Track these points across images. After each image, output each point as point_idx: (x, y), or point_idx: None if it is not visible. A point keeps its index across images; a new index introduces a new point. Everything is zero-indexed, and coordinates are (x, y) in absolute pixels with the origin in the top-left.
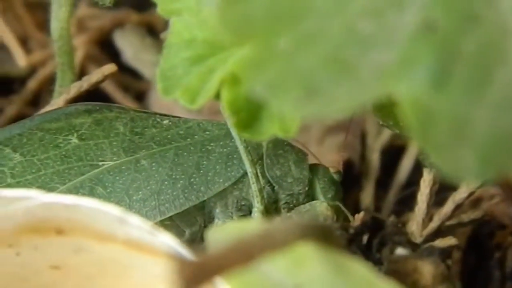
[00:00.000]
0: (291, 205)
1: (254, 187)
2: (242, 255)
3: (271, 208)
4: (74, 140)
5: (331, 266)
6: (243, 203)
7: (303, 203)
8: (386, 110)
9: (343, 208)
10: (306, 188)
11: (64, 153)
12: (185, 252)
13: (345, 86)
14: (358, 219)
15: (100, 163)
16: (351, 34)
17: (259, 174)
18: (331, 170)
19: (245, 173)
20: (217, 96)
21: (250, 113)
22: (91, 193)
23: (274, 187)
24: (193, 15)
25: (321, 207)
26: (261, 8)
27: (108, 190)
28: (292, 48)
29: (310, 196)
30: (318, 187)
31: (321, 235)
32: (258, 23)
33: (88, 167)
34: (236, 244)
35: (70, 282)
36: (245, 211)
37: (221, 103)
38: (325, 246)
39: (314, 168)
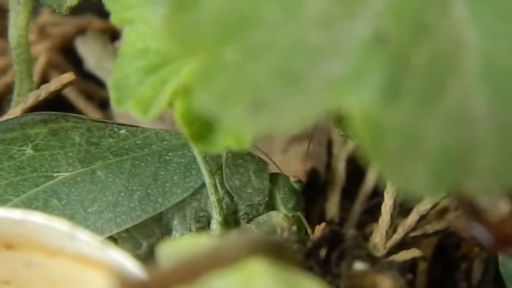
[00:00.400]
0: (251, 216)
1: (212, 198)
2: (190, 273)
3: (230, 219)
4: (29, 150)
5: (282, 283)
6: (201, 214)
7: (263, 214)
8: (345, 121)
9: (303, 219)
10: (266, 199)
11: (18, 164)
12: (133, 268)
13: (293, 98)
14: (319, 230)
15: (55, 174)
16: (300, 45)
17: (218, 185)
18: (292, 179)
19: (204, 184)
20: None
21: (204, 125)
22: (46, 205)
23: (233, 197)
24: (146, 24)
25: (278, 218)
26: (208, 19)
27: (63, 202)
28: (240, 59)
29: (270, 207)
30: (278, 197)
31: (274, 250)
32: (205, 34)
33: (42, 179)
34: (184, 261)
35: None
36: (204, 223)
37: (174, 114)
38: (278, 262)
39: (274, 178)
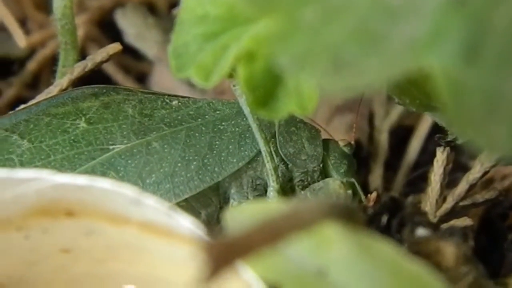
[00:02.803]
0: (306, 183)
1: (268, 166)
2: (269, 236)
3: (286, 187)
4: (83, 124)
5: (356, 247)
6: (258, 183)
7: (318, 180)
8: (403, 87)
9: (357, 184)
10: (320, 165)
11: (73, 138)
12: (204, 234)
13: (374, 58)
14: (370, 199)
15: (111, 147)
16: (379, 5)
17: (273, 152)
18: (341, 143)
19: (259, 152)
20: (231, 74)
21: (267, 91)
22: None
23: (288, 165)
24: None
25: (334, 184)
26: None
27: (121, 174)
28: (318, 20)
29: (324, 173)
30: (330, 163)
31: (345, 215)
32: None
33: (98, 152)
34: (263, 225)
35: (80, 266)
36: (261, 191)
37: (235, 81)
38: (349, 226)
39: (324, 144)
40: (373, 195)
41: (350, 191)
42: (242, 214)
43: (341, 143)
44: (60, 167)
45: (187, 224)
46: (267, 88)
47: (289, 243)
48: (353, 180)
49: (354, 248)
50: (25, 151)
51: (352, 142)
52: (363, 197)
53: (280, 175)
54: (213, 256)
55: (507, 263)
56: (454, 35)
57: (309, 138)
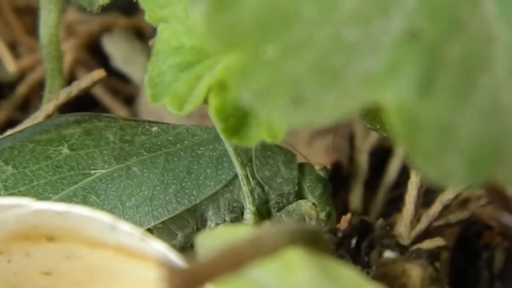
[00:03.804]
0: (281, 205)
1: (245, 189)
2: (232, 262)
3: (262, 209)
4: (65, 150)
5: (319, 271)
6: (234, 205)
7: (293, 202)
8: (372, 113)
9: (331, 206)
10: (296, 188)
11: (55, 163)
12: (175, 258)
13: (332, 93)
14: (345, 220)
15: (92, 172)
16: (337, 42)
17: (249, 176)
18: (317, 167)
19: (236, 176)
20: (206, 100)
21: (238, 120)
22: (85, 202)
23: (264, 187)
24: (180, 22)
25: (306, 206)
26: (248, 17)
27: (101, 198)
28: (279, 56)
29: (299, 195)
30: (305, 186)
31: (310, 239)
32: (245, 31)
33: (80, 176)
34: (226, 251)
35: None
36: (237, 213)
37: (209, 110)
38: (314, 250)
39: (300, 168)
40: (348, 216)
41: (324, 213)
42: (212, 239)
43: (316, 167)
44: (43, 192)
45: (160, 248)
46: (238, 118)
47: (256, 267)
48: (328, 203)
49: (316, 271)
50: (10, 177)
51: (328, 167)
52: (333, 218)
53: (256, 197)
54: (174, 282)
55: (482, 281)
56: (409, 69)
57: (285, 162)
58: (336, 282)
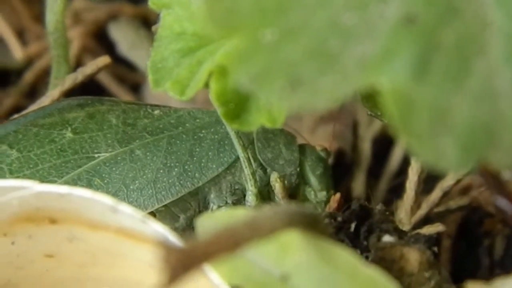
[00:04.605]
0: (286, 187)
1: (246, 171)
2: (228, 243)
3: (264, 191)
4: (69, 134)
5: (316, 254)
6: (236, 187)
7: (296, 184)
8: (373, 100)
9: (331, 186)
10: (298, 169)
11: (59, 147)
12: (175, 239)
13: (328, 77)
14: (334, 200)
15: (96, 155)
16: (335, 26)
17: (251, 158)
18: (318, 148)
19: (237, 158)
20: (208, 86)
21: (238, 104)
22: (89, 185)
23: (266, 169)
24: (183, 8)
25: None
26: (247, 2)
27: (105, 181)
28: (277, 40)
29: (301, 176)
30: (307, 166)
31: (307, 222)
32: (244, 16)
33: (84, 160)
34: (223, 232)
35: (63, 270)
36: (239, 195)
37: (210, 94)
38: (312, 233)
39: (301, 149)
40: (337, 196)
41: (324, 192)
42: (212, 221)
43: (317, 148)
44: (48, 175)
45: (160, 230)
46: (238, 102)
47: (254, 248)
48: (329, 183)
49: (313, 254)
50: (14, 160)
51: (329, 149)
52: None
53: (258, 179)
54: (171, 262)
55: (483, 268)
56: (404, 53)
57: (286, 144)
58: (332, 264)
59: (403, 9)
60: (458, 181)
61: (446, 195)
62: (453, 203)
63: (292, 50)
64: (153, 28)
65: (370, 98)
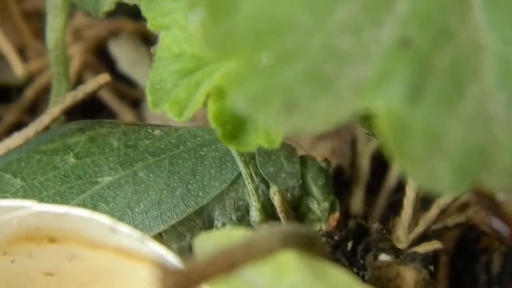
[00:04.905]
0: (287, 200)
1: (249, 187)
2: (225, 264)
3: (268, 205)
4: (71, 159)
5: (312, 273)
6: (240, 203)
7: (299, 196)
8: (370, 120)
9: (333, 196)
10: (300, 181)
11: (63, 173)
12: (173, 259)
13: (324, 100)
14: (333, 219)
15: (99, 180)
16: (330, 50)
17: (253, 173)
18: (319, 159)
19: (239, 174)
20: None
21: (236, 125)
22: (94, 210)
23: (268, 183)
24: (181, 30)
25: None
26: (243, 26)
27: (111, 206)
28: (272, 64)
29: (303, 188)
30: (309, 177)
31: (303, 242)
32: (240, 40)
33: (88, 185)
34: (220, 253)
35: None
36: (243, 211)
37: (208, 115)
38: (308, 253)
39: (302, 160)
40: (336, 215)
41: (326, 203)
42: (209, 241)
43: (318, 159)
44: (53, 202)
45: (158, 250)
46: (236, 124)
47: (250, 269)
48: (331, 193)
49: (309, 274)
50: (19, 189)
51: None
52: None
53: (261, 194)
54: (171, 282)
55: (480, 284)
56: (399, 76)
57: (287, 156)
58: (327, 284)
59: (398, 32)
60: (455, 199)
61: (443, 212)
62: (450, 220)
63: (288, 74)
64: (152, 49)
65: (367, 118)
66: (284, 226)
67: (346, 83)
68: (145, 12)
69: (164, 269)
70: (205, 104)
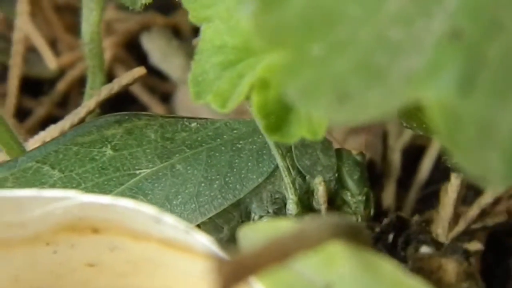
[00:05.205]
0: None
1: (286, 180)
2: (277, 254)
3: (304, 198)
4: (109, 151)
5: (360, 265)
6: (277, 196)
7: (335, 189)
8: (410, 112)
9: (368, 189)
10: (336, 174)
11: (101, 165)
12: (219, 250)
13: (375, 91)
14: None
15: (137, 172)
16: (381, 40)
17: (290, 166)
18: (354, 152)
19: (276, 167)
20: (246, 97)
21: (279, 117)
22: None
23: (305, 177)
24: (223, 22)
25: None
26: (294, 17)
27: (149, 198)
28: (324, 54)
29: (339, 181)
30: (344, 171)
31: (351, 233)
32: (292, 30)
33: (126, 177)
34: (272, 244)
35: (104, 279)
36: (280, 204)
37: (251, 107)
38: (354, 244)
39: (338, 154)
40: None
41: (361, 196)
42: (254, 232)
43: (353, 152)
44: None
45: (204, 241)
46: (279, 115)
47: (299, 260)
48: (366, 186)
49: (357, 264)
50: (57, 181)
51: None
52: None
53: (297, 187)
54: (223, 273)
55: None
56: (451, 68)
57: (323, 149)
58: (376, 275)
59: (448, 24)
60: (496, 199)
61: (483, 212)
62: (490, 220)
63: (340, 64)
64: (194, 41)
65: (406, 110)
66: (331, 217)
67: (397, 74)
68: (186, 4)
69: (218, 259)
70: (247, 97)
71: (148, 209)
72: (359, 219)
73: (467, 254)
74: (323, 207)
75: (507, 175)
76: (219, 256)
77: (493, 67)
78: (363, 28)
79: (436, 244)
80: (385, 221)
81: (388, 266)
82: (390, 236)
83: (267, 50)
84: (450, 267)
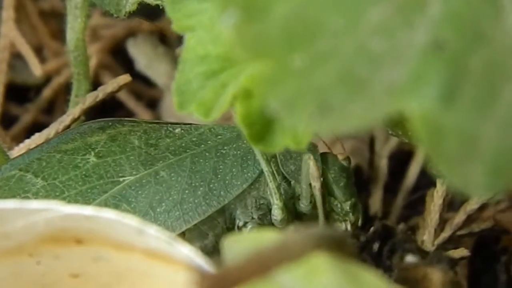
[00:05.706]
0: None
1: (271, 185)
2: (260, 267)
3: (290, 203)
4: (92, 158)
5: (344, 276)
6: (261, 202)
7: (320, 195)
8: (395, 121)
9: (355, 197)
10: (321, 179)
11: (84, 172)
12: (202, 262)
13: (358, 103)
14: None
15: (121, 179)
16: (363, 52)
17: (275, 172)
18: (339, 157)
19: (261, 173)
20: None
21: (263, 126)
22: (117, 210)
23: (290, 182)
24: (206, 31)
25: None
26: (276, 28)
27: (132, 205)
28: (306, 66)
29: (325, 187)
30: (330, 177)
31: (335, 244)
32: (273, 41)
33: (109, 185)
34: (254, 256)
35: None
36: (264, 209)
37: (234, 117)
38: (338, 255)
39: (323, 158)
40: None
41: (348, 203)
42: (239, 243)
43: (339, 157)
44: (75, 203)
45: (187, 251)
46: (263, 124)
47: (282, 271)
48: (352, 193)
49: (341, 276)
50: (40, 189)
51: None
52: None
53: (282, 192)
54: (207, 285)
55: (499, 284)
56: (433, 79)
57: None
58: (359, 286)
59: (431, 35)
60: (482, 205)
61: (469, 218)
62: (476, 226)
63: (321, 76)
64: (177, 50)
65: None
66: (315, 228)
67: (380, 86)
68: (170, 13)
69: (200, 272)
70: (230, 106)
71: (130, 220)
72: (348, 227)
73: (452, 263)
74: (317, 184)
75: (488, 186)
76: (201, 269)
77: (476, 78)
78: (345, 39)
79: (422, 253)
80: (371, 229)
81: (372, 278)
82: (376, 245)
83: (247, 61)
84: (436, 277)
